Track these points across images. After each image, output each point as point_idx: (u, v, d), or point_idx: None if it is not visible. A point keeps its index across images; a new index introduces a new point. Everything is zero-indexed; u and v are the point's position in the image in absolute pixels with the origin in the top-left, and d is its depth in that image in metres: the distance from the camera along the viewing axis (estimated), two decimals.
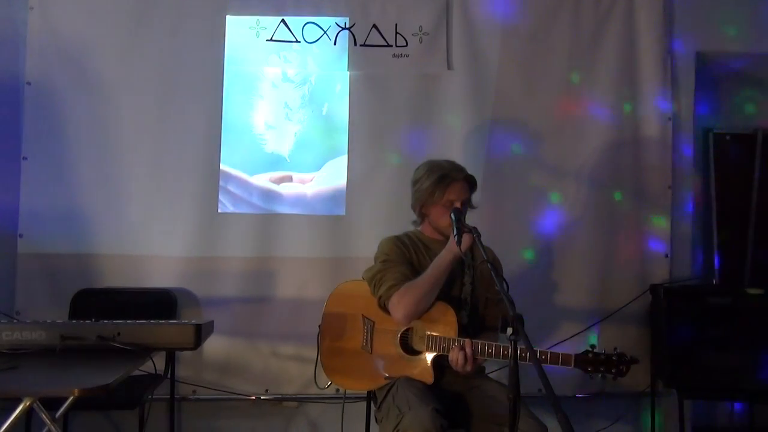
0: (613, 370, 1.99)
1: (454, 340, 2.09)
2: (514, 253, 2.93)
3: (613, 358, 2.00)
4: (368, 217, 2.98)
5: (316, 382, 2.28)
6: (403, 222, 2.86)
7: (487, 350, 2.04)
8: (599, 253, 3.04)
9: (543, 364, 1.82)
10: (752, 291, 2.79)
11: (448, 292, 2.22)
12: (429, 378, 2.11)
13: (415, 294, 2.11)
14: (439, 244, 2.26)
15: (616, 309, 2.99)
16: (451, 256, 2.10)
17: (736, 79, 3.41)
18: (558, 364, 2.01)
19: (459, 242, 2.05)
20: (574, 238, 3.03)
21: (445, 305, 2.15)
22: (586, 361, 2.00)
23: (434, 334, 2.12)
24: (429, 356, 2.13)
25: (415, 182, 2.26)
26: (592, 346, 2.02)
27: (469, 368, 2.01)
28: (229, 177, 2.97)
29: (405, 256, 2.24)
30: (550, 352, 2.00)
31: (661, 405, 3.06)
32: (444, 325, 2.12)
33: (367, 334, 2.21)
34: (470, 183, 2.25)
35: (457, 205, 2.16)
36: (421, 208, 2.25)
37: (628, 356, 2.00)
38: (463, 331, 2.13)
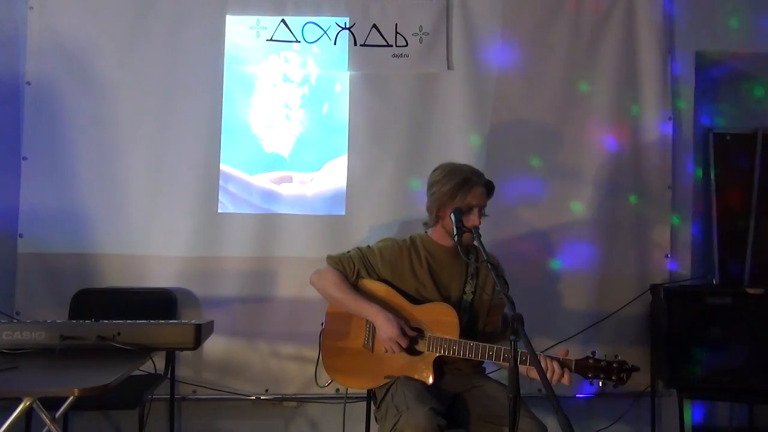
0: (613, 378, 1.97)
1: (455, 342, 2.09)
2: (514, 253, 2.93)
3: (614, 365, 1.98)
4: (368, 217, 2.98)
5: (316, 381, 2.29)
6: (403, 222, 2.87)
7: (488, 353, 2.05)
8: (599, 253, 3.03)
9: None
10: (752, 291, 2.78)
11: (448, 296, 2.22)
12: (428, 378, 2.11)
13: (329, 289, 2.23)
14: (446, 250, 2.26)
15: (616, 309, 2.99)
16: (373, 317, 2.14)
17: (736, 79, 3.40)
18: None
19: (459, 241, 2.08)
20: (574, 238, 3.02)
21: (447, 307, 2.16)
22: (586, 367, 1.99)
23: (436, 335, 2.12)
24: (430, 357, 2.13)
25: (432, 184, 2.24)
26: (593, 352, 2.01)
27: (566, 380, 1.98)
28: (229, 177, 2.97)
29: (381, 264, 2.24)
30: (550, 356, 1.99)
31: (661, 405, 3.06)
32: (446, 326, 2.12)
33: (368, 333, 2.21)
34: (488, 189, 2.24)
35: (476, 210, 2.16)
36: (437, 211, 2.23)
37: (629, 364, 1.99)
38: (462, 333, 2.13)
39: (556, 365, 1.96)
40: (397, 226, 2.90)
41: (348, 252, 2.29)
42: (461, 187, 2.16)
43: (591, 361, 1.99)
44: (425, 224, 2.32)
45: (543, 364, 1.94)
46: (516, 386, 1.51)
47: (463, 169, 2.22)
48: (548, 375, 1.93)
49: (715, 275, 3.25)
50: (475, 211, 2.16)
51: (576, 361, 1.99)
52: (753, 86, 3.42)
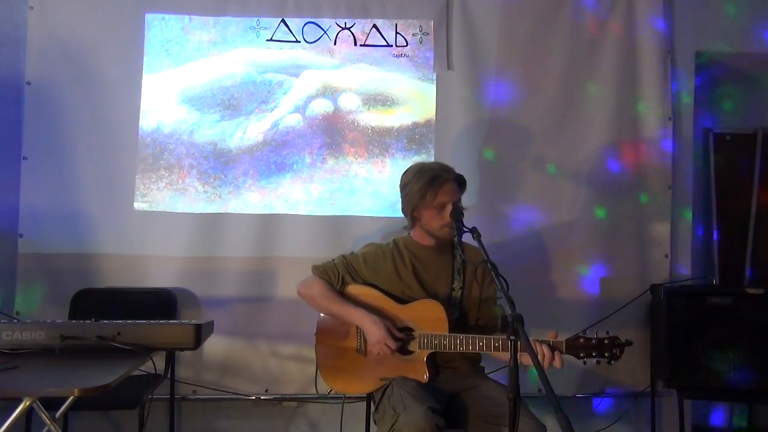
0: (606, 354, 1.95)
1: (445, 336, 2.09)
2: (514, 253, 2.93)
3: (605, 342, 1.96)
4: (368, 217, 2.98)
5: (316, 388, 2.29)
6: (403, 223, 2.86)
7: (479, 344, 2.05)
8: (599, 253, 3.03)
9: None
10: (752, 291, 2.78)
11: (435, 295, 2.22)
12: (423, 376, 2.11)
13: (316, 298, 2.24)
14: (429, 250, 2.27)
15: (616, 309, 2.99)
16: (360, 321, 2.15)
17: (736, 79, 3.40)
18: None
19: (459, 240, 2.07)
20: (574, 238, 3.03)
21: (433, 302, 2.16)
22: (577, 346, 1.97)
23: (426, 332, 2.12)
24: (422, 355, 2.13)
25: (404, 186, 2.25)
26: (584, 331, 1.99)
27: (557, 363, 1.95)
28: (230, 177, 2.97)
29: (366, 269, 2.25)
30: (540, 340, 1.96)
31: (661, 405, 3.06)
32: (434, 322, 2.12)
33: (360, 338, 2.21)
34: (460, 183, 2.24)
35: (449, 206, 2.15)
36: (412, 212, 2.23)
37: (621, 339, 1.97)
38: (453, 329, 2.12)
39: (546, 349, 1.94)
40: (395, 227, 2.89)
41: (332, 260, 2.30)
42: (431, 185, 2.15)
43: (582, 340, 1.97)
44: (405, 228, 2.32)
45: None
46: (516, 386, 1.51)
47: (431, 167, 2.22)
48: (539, 359, 1.91)
49: (715, 275, 3.25)
50: (448, 207, 2.16)
51: (566, 341, 1.97)
52: (753, 86, 3.42)
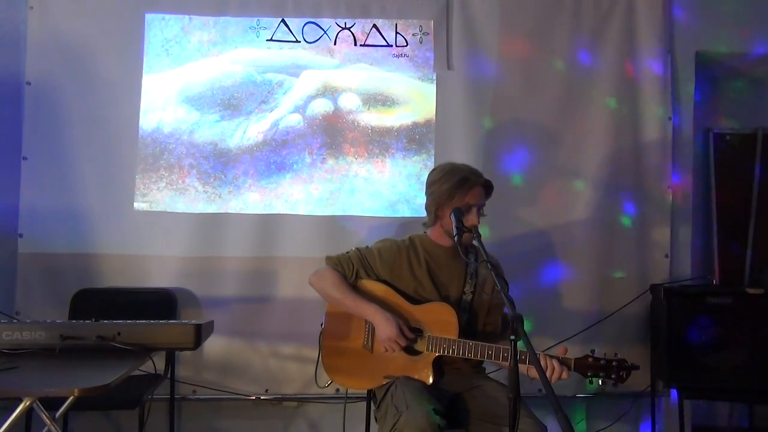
0: (612, 376, 1.97)
1: (454, 341, 2.09)
2: (514, 253, 2.93)
3: (613, 363, 1.97)
4: (368, 217, 2.98)
5: (316, 381, 2.29)
6: (404, 222, 2.87)
7: (488, 352, 2.05)
8: (599, 253, 3.03)
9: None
10: (752, 291, 2.78)
11: (447, 296, 2.22)
12: (428, 378, 2.11)
13: (328, 289, 2.23)
14: (444, 250, 2.26)
15: (616, 309, 2.99)
16: (372, 317, 2.14)
17: (736, 79, 3.40)
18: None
19: (459, 241, 2.07)
20: (574, 238, 3.03)
21: (446, 306, 2.15)
22: (585, 365, 1.98)
23: (435, 334, 2.12)
24: (430, 357, 2.13)
25: (431, 184, 2.24)
26: (593, 351, 2.00)
27: (565, 375, 1.97)
28: (230, 177, 2.97)
29: (380, 264, 2.24)
30: (550, 355, 1.98)
31: (661, 405, 3.06)
32: (445, 325, 2.12)
33: (368, 333, 2.21)
34: (487, 188, 2.24)
35: (474, 209, 2.15)
36: (436, 210, 2.23)
37: (629, 362, 1.98)
38: (462, 333, 2.12)
39: (555, 363, 1.95)
40: (397, 228, 2.90)
41: (347, 252, 2.29)
42: (460, 187, 2.15)
43: (590, 359, 1.98)
44: (424, 224, 2.32)
45: (542, 363, 1.93)
46: (516, 386, 1.51)
47: (461, 168, 2.22)
48: (548, 373, 1.92)
49: (715, 275, 3.25)
50: (474, 210, 2.16)
51: (575, 359, 1.98)
52: (753, 86, 3.42)
